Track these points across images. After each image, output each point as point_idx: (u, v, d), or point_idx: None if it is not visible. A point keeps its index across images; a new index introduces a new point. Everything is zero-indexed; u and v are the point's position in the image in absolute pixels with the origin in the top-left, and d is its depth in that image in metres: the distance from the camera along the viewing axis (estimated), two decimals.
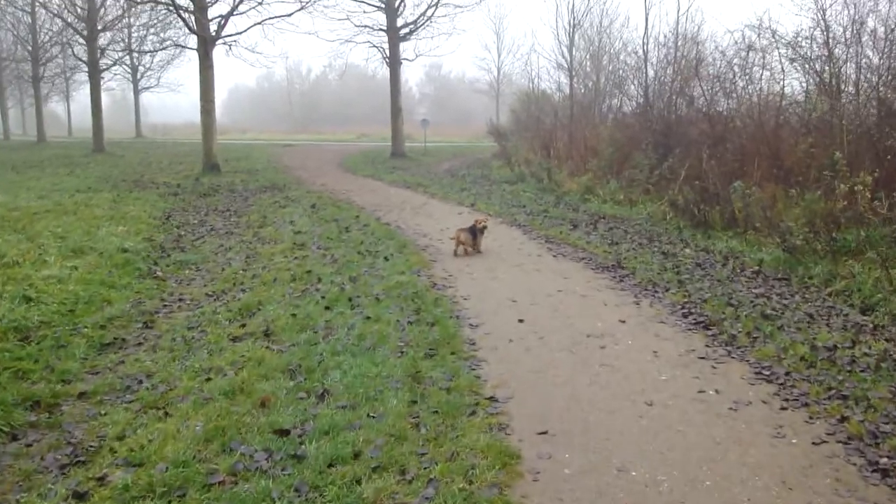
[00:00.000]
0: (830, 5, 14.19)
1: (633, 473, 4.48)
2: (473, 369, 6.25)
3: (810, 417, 5.31)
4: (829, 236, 10.04)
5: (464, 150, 40.59)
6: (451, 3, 35.64)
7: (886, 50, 13.11)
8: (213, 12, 23.71)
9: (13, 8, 41.62)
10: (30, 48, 43.30)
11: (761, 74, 16.75)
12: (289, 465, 4.51)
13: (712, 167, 13.72)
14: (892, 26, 12.99)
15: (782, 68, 15.20)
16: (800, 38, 14.86)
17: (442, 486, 4.25)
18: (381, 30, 31.13)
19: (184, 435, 4.95)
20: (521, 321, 7.68)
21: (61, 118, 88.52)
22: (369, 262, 10.38)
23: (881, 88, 12.92)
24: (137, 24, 39.33)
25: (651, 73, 21.38)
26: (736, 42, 21.73)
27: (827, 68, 14.33)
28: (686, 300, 8.43)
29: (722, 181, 13.51)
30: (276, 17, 26.15)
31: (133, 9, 35.54)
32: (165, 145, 45.60)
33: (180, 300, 8.94)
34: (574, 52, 30.51)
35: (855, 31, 13.72)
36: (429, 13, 30.94)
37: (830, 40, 14.17)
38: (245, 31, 26.07)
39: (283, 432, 4.93)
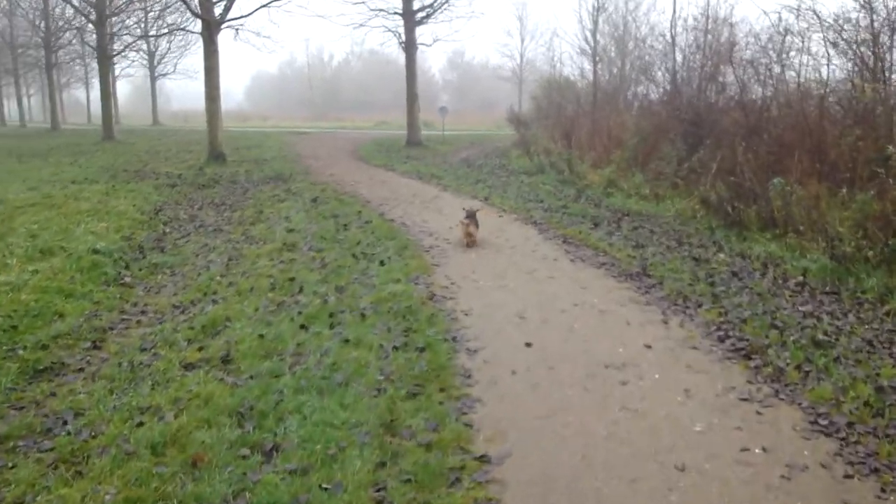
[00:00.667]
0: None
1: None
2: (465, 413, 5.12)
3: (882, 490, 4.15)
4: (883, 243, 8.79)
5: (483, 138, 39.27)
6: None
7: None
8: None
9: None
10: (42, 34, 42.44)
11: (801, 59, 15.47)
12: None
13: (749, 161, 12.43)
14: None
15: (828, 53, 13.84)
16: (841, 21, 13.55)
17: None
18: (396, 13, 29.93)
19: None
20: (528, 345, 6.53)
21: (84, 105, 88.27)
22: (363, 266, 9.26)
23: None
24: (146, 7, 38.11)
25: (679, 57, 20.07)
26: (772, 25, 20.38)
27: (872, 53, 13.01)
28: (722, 319, 7.23)
29: (758, 176, 12.25)
30: None
31: None
32: (180, 133, 44.66)
33: (143, 312, 7.86)
34: (598, 37, 29.18)
35: None
36: None
37: (875, 23, 12.86)
38: (250, 13, 24.78)
39: None
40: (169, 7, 36.20)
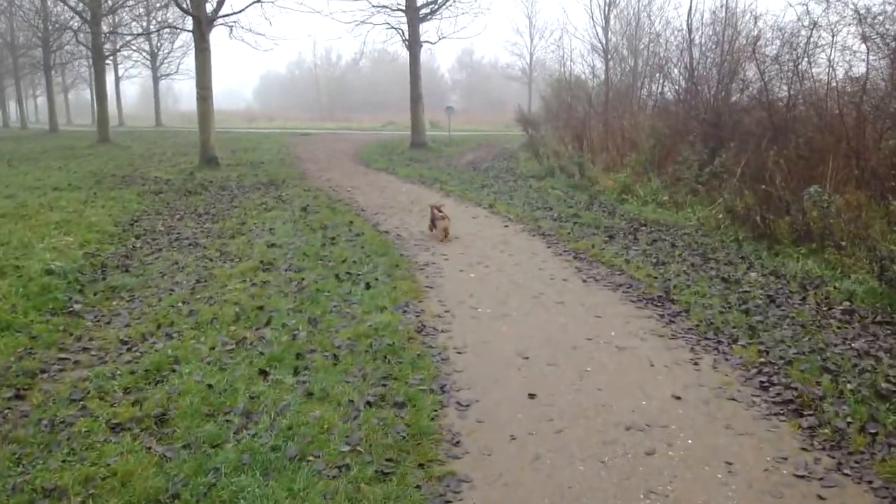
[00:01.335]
0: None
1: None
2: (448, 502, 3.99)
3: None
4: None
5: (491, 139, 38.06)
6: None
7: None
8: None
9: None
10: (41, 35, 41.48)
11: (831, 55, 14.26)
12: None
13: (780, 166, 11.26)
14: None
15: (866, 47, 12.59)
16: (880, 15, 12.36)
17: None
18: (399, 9, 28.73)
19: None
20: (531, 396, 5.39)
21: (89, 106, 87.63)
22: (345, 290, 8.14)
23: None
24: (137, 3, 36.95)
25: (697, 53, 18.84)
26: (798, 18, 19.14)
27: None
28: (763, 359, 6.07)
29: (789, 184, 11.08)
30: None
31: None
32: (180, 135, 43.65)
33: (84, 350, 6.73)
34: (610, 34, 27.98)
35: None
36: None
37: None
38: (242, 10, 23.66)
39: None
40: (158, 4, 35.04)
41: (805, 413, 5.08)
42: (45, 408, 5.39)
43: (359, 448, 4.53)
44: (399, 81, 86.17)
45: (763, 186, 10.96)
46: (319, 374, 5.70)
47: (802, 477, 4.26)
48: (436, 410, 5.10)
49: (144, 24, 42.53)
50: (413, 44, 28.65)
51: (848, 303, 7.64)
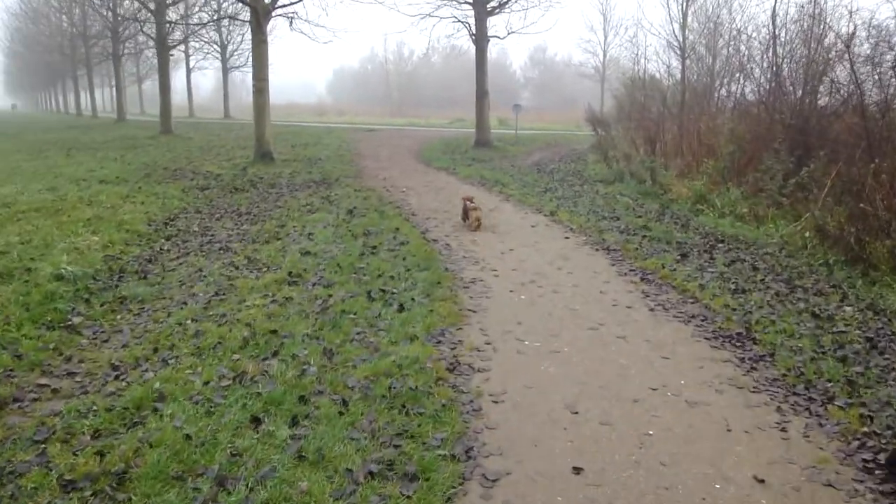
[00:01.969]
0: None
1: None
2: None
3: None
4: None
5: (560, 139, 36.65)
6: None
7: None
8: None
9: None
10: (110, 25, 41.58)
11: None
12: None
13: (881, 181, 9.90)
14: None
15: None
16: None
17: None
18: (466, 2, 27.62)
19: None
20: (577, 471, 4.33)
21: (173, 99, 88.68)
22: (375, 312, 7.15)
23: None
24: None
25: (781, 51, 17.34)
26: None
27: None
28: (866, 428, 4.89)
29: (890, 202, 9.72)
30: None
31: None
32: (245, 127, 43.13)
33: (69, 374, 5.89)
34: (687, 32, 26.45)
35: None
36: None
37: None
38: (300, 0, 22.83)
39: None
40: None
41: None
42: (2, 450, 4.54)
43: None
44: (469, 77, 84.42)
45: (860, 204, 9.62)
46: (321, 425, 4.72)
47: None
48: (454, 487, 4.08)
49: (205, 14, 42.20)
50: (480, 38, 27.52)
51: None
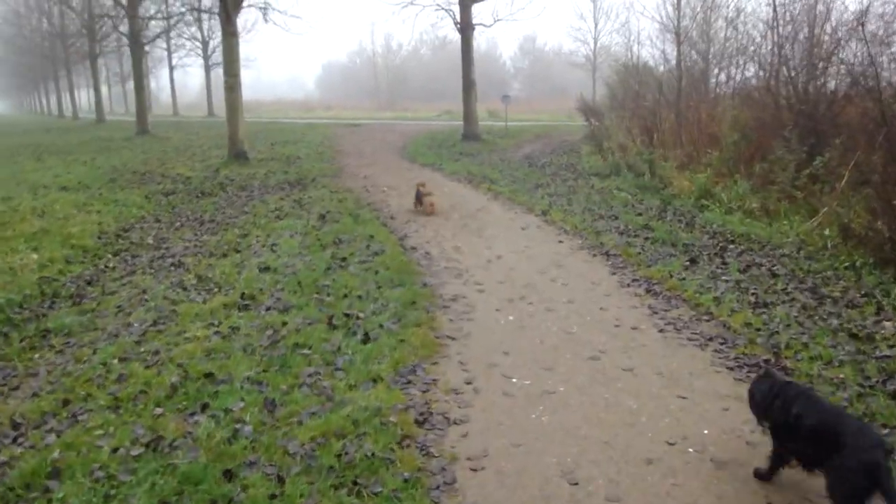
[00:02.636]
0: None
1: None
2: None
3: None
4: None
5: (551, 130, 35.39)
6: None
7: None
8: None
9: None
10: (86, 23, 40.23)
11: None
12: None
13: None
14: None
15: None
16: None
17: None
18: None
19: None
20: None
21: (159, 97, 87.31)
22: (335, 344, 6.03)
23: None
24: None
25: (784, 31, 16.19)
26: None
27: None
28: None
29: None
30: None
31: None
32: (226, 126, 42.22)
33: None
34: (682, 11, 25.30)
35: None
36: None
37: None
38: None
39: None
40: None
41: None
42: None
43: None
44: (458, 68, 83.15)
45: (894, 202, 8.50)
46: None
47: None
48: None
49: (174, 9, 40.80)
50: (465, 27, 26.32)
51: None
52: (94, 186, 15.99)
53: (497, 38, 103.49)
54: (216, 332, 6.39)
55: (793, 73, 14.67)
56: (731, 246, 9.70)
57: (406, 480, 3.96)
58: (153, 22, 38.36)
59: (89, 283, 8.52)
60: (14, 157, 24.89)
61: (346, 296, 7.37)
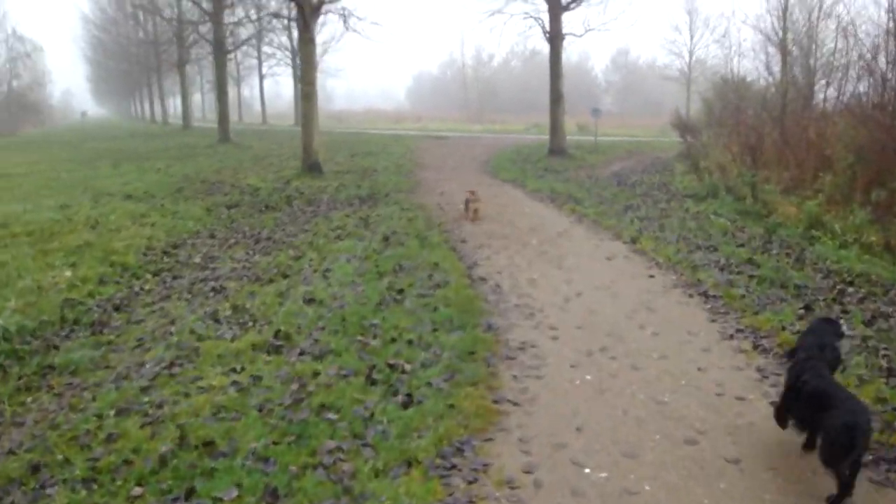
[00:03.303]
0: None
1: None
2: None
3: None
4: None
5: (643, 146, 33.69)
6: None
7: None
8: None
9: None
10: (175, 31, 40.46)
11: None
12: None
13: None
14: None
15: None
16: None
17: None
18: None
19: None
20: None
21: (252, 106, 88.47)
22: (369, 408, 4.97)
23: None
24: None
25: None
26: None
27: None
28: None
29: None
30: None
31: None
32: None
33: None
34: (788, 22, 23.65)
35: None
36: None
37: None
38: None
39: None
40: None
41: None
42: None
43: None
44: (547, 81, 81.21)
45: None
46: None
47: None
48: None
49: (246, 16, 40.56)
50: (554, 36, 25.10)
51: None
52: (158, 196, 15.43)
53: (589, 51, 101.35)
54: (234, 383, 5.40)
55: None
56: (850, 289, 8.27)
57: None
58: (241, 29, 38.25)
59: (117, 309, 7.69)
60: (93, 162, 24.86)
61: (394, 340, 6.31)
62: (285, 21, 42.10)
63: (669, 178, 19.94)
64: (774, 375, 5.71)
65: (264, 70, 62.06)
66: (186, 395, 5.24)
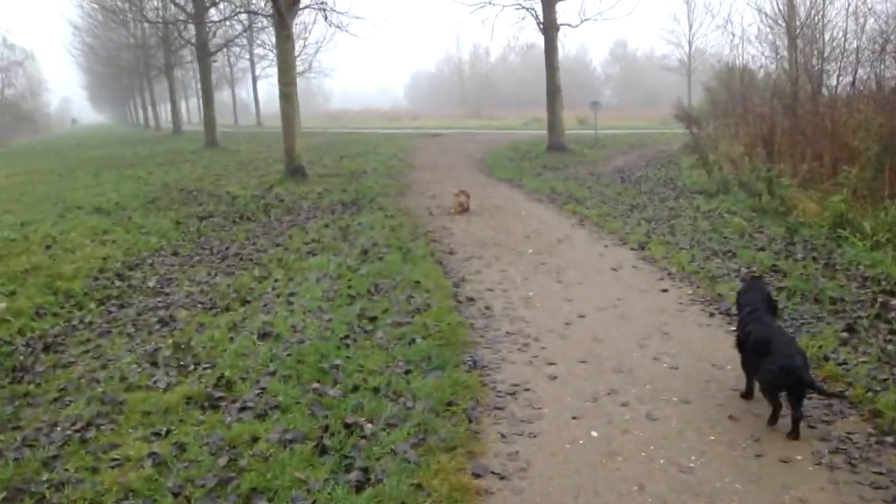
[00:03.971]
0: None
1: None
2: None
3: None
4: None
5: (645, 138, 32.44)
6: None
7: None
8: None
9: None
10: (161, 34, 39.30)
11: None
12: None
13: None
14: None
15: None
16: None
17: None
18: None
19: None
20: None
21: (248, 107, 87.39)
22: (314, 490, 3.88)
23: None
24: None
25: None
26: None
27: None
28: None
29: None
30: None
31: None
32: (305, 137, 40.91)
33: None
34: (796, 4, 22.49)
35: None
36: None
37: None
38: None
39: None
40: None
41: None
42: None
43: None
44: (545, 74, 79.65)
45: None
46: None
47: None
48: None
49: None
50: (548, 27, 23.95)
51: None
52: (130, 207, 14.37)
53: (587, 43, 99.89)
54: (152, 455, 4.31)
55: None
56: (893, 301, 7.17)
57: None
58: (228, 30, 37.12)
59: (46, 349, 6.62)
60: (75, 171, 23.85)
61: (356, 388, 5.20)
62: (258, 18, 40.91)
63: (676, 172, 18.84)
64: (823, 426, 4.62)
65: (258, 71, 61.18)
66: (94, 473, 4.17)
